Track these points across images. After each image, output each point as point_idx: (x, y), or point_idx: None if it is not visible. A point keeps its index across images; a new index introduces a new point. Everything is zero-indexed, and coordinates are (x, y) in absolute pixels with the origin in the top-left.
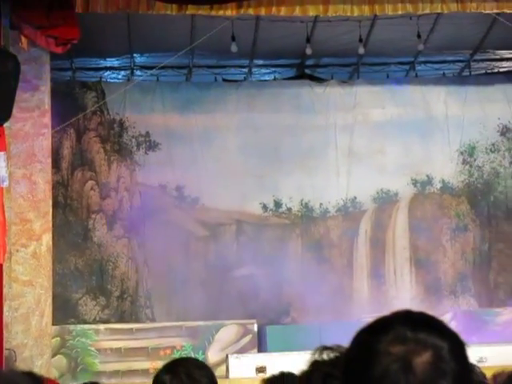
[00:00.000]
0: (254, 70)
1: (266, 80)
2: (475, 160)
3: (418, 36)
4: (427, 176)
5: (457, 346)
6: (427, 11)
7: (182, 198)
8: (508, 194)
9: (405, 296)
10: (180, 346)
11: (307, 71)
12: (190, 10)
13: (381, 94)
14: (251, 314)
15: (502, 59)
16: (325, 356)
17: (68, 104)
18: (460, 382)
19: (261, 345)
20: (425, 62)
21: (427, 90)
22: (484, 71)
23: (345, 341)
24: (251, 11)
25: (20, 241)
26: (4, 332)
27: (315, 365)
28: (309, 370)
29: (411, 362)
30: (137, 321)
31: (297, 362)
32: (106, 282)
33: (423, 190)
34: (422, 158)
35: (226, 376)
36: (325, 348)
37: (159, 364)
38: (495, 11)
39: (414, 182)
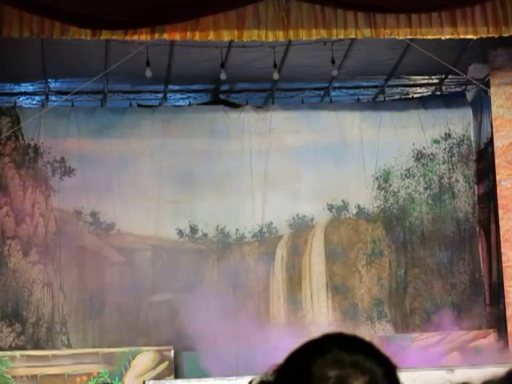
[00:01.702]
0: (168, 95)
1: (180, 105)
2: (390, 185)
3: (333, 61)
4: (343, 201)
5: (391, 370)
6: (341, 36)
7: (97, 224)
8: (423, 219)
9: (322, 321)
10: (96, 372)
11: (222, 96)
12: (104, 35)
13: (296, 119)
14: (168, 341)
15: (415, 85)
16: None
17: None
18: None
19: (178, 371)
20: (339, 88)
21: (342, 115)
22: (398, 97)
23: (261, 367)
24: (166, 36)
25: None
26: None
27: None
28: None
29: None
30: (53, 347)
31: None
32: (22, 308)
33: (339, 216)
34: (338, 183)
35: None
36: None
37: None
38: (409, 37)
39: (330, 208)
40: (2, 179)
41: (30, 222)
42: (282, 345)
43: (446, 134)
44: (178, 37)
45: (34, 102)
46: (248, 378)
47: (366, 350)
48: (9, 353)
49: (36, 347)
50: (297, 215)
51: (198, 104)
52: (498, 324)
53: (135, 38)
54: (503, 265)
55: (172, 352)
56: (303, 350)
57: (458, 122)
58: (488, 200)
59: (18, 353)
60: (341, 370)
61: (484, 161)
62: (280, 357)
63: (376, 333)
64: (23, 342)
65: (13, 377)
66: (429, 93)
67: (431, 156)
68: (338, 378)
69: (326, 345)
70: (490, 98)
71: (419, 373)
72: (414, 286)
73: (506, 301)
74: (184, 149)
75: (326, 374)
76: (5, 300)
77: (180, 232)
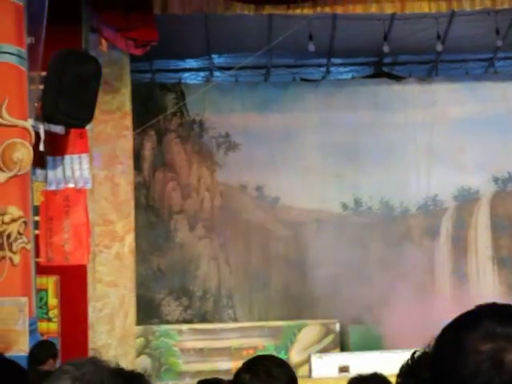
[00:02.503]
0: (331, 68)
1: (343, 78)
2: None
3: (497, 32)
4: (508, 173)
5: None
6: (506, 6)
7: (262, 198)
8: None
9: (488, 295)
10: (262, 346)
11: (385, 69)
12: (267, 9)
13: (460, 91)
14: (333, 314)
15: None
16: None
17: (148, 106)
18: None
19: (343, 344)
20: (504, 58)
21: (507, 85)
22: None
23: (424, 340)
24: (328, 9)
25: (103, 242)
26: (89, 332)
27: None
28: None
29: (503, 359)
30: (219, 321)
31: (380, 361)
32: (189, 282)
33: (505, 187)
34: (503, 154)
35: (309, 376)
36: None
37: None
38: None
39: (496, 180)
40: (167, 155)
41: (196, 197)
42: (446, 318)
43: None
44: (340, 10)
45: (199, 78)
46: (411, 351)
47: None
48: (176, 326)
49: (203, 321)
50: (462, 187)
51: (361, 77)
52: None
53: (298, 12)
54: None
55: (337, 325)
56: (455, 324)
57: None
58: None
59: (185, 326)
60: (493, 343)
61: None
62: None
63: None
64: (190, 315)
65: (180, 350)
66: None
67: None
68: (491, 352)
69: (478, 317)
70: None
71: None
72: None
73: None
74: (347, 122)
75: (479, 349)
76: (172, 274)
77: (344, 205)
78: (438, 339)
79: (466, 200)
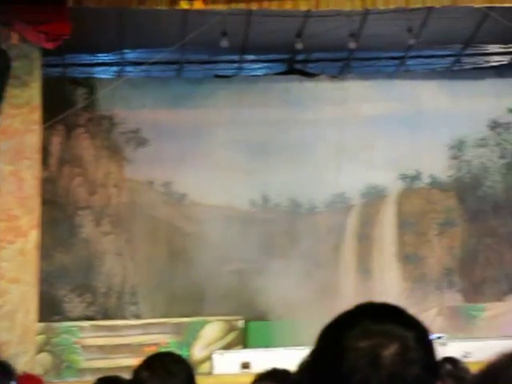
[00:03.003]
0: (244, 65)
1: (256, 75)
2: (464, 155)
3: (409, 30)
4: (416, 171)
5: (422, 334)
6: (419, 5)
7: (169, 194)
8: (496, 188)
9: (391, 291)
10: (165, 342)
11: (298, 66)
12: (182, 4)
13: (371, 88)
14: (237, 311)
15: (492, 53)
16: None
17: (58, 100)
18: (428, 369)
19: (247, 341)
20: (416, 57)
21: (417, 84)
22: (474, 66)
23: None
24: (242, 5)
25: (7, 237)
26: None
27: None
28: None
29: (379, 355)
30: (122, 317)
31: (281, 357)
32: (93, 278)
33: (412, 185)
34: (411, 152)
35: (211, 372)
36: None
37: None
38: (486, 5)
39: (403, 177)
40: (76, 150)
41: (103, 193)
42: None
43: None
44: (254, 6)
45: (111, 73)
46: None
47: (396, 316)
48: (78, 323)
49: (105, 317)
50: (369, 185)
51: (274, 74)
52: None
53: (212, 7)
54: None
55: (241, 322)
56: (334, 323)
57: None
58: None
59: (87, 323)
60: (370, 340)
61: None
62: None
63: (445, 303)
64: (93, 312)
65: (81, 347)
66: (505, 62)
67: (506, 125)
68: (369, 349)
69: (356, 316)
70: None
71: (487, 343)
72: (485, 256)
73: None
74: (258, 119)
75: (356, 346)
76: (76, 270)
77: (252, 202)
78: (319, 338)
79: (373, 197)
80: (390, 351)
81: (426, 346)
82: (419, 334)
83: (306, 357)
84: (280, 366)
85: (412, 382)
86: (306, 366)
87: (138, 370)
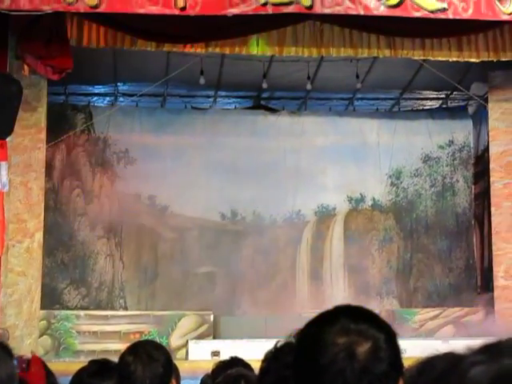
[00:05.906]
0: (218, 99)
1: (228, 108)
2: (401, 182)
3: (357, 76)
4: (361, 194)
5: (391, 337)
6: (365, 55)
7: (153, 206)
8: (428, 212)
9: (339, 295)
10: (148, 331)
11: (263, 102)
12: (167, 47)
13: (324, 123)
14: (208, 306)
15: (426, 98)
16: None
17: (61, 123)
18: (394, 366)
19: (216, 333)
20: (361, 98)
21: (363, 121)
22: (411, 108)
23: (286, 332)
24: (218, 50)
25: (16, 237)
26: (0, 314)
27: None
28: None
29: (355, 351)
30: (112, 308)
31: (246, 347)
32: (87, 274)
33: (357, 206)
34: (357, 179)
35: (186, 358)
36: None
37: None
38: (422, 58)
39: (350, 199)
40: (75, 166)
41: (97, 203)
42: (304, 314)
43: (449, 141)
44: (228, 51)
45: (105, 102)
46: (274, 340)
47: (370, 319)
48: (75, 312)
49: (98, 308)
50: (321, 205)
51: (243, 108)
52: (487, 303)
53: (192, 50)
54: (493, 253)
55: (212, 316)
56: (316, 320)
57: (460, 131)
58: (483, 198)
59: (82, 312)
60: (348, 337)
61: (481, 165)
62: (302, 323)
63: (384, 307)
64: (87, 303)
65: (77, 332)
66: (437, 106)
67: (436, 159)
68: (346, 345)
69: (336, 315)
70: (487, 112)
71: (418, 341)
72: (417, 268)
73: (494, 284)
74: (229, 145)
75: (335, 341)
76: (73, 267)
77: (223, 215)
78: (301, 332)
79: (325, 215)
80: (363, 348)
81: (394, 347)
82: (389, 336)
83: (271, 348)
84: (244, 354)
85: (380, 376)
86: (271, 355)
87: (123, 355)
